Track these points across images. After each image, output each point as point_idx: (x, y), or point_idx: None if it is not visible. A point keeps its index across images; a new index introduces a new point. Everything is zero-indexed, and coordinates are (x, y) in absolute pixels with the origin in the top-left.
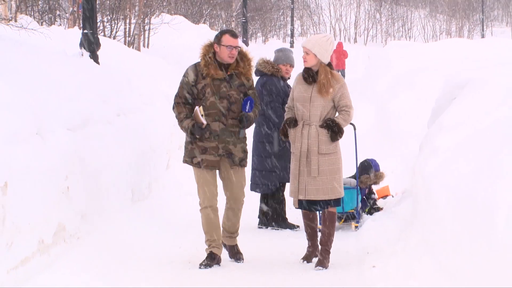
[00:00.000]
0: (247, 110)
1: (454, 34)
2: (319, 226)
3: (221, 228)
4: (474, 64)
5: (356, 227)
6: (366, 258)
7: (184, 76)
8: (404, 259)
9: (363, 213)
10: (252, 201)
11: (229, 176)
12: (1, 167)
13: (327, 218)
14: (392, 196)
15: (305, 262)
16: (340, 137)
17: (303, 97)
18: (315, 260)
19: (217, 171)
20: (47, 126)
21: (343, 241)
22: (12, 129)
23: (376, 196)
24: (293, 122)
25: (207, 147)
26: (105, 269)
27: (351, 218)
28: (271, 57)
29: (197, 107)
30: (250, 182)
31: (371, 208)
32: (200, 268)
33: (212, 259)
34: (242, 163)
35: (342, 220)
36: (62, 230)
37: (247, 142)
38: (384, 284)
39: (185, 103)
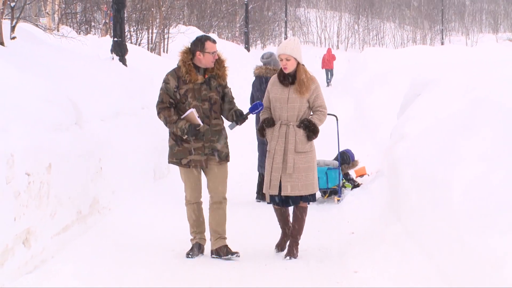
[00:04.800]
0: (252, 112)
1: (419, 42)
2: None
3: (210, 233)
4: (435, 66)
5: (338, 200)
6: (346, 226)
7: (165, 82)
8: (377, 226)
9: (343, 188)
10: (251, 181)
11: (214, 172)
12: (46, 151)
13: (299, 213)
14: (368, 175)
15: (279, 250)
16: (316, 136)
17: (281, 98)
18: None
19: (202, 169)
20: (84, 117)
21: (327, 212)
22: (55, 120)
23: (354, 176)
24: (271, 122)
25: (193, 148)
26: (132, 234)
27: (334, 193)
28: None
29: (192, 109)
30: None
31: (354, 186)
32: (187, 256)
33: (198, 249)
34: (227, 158)
35: (327, 195)
36: (96, 203)
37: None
38: (360, 245)
39: (169, 107)
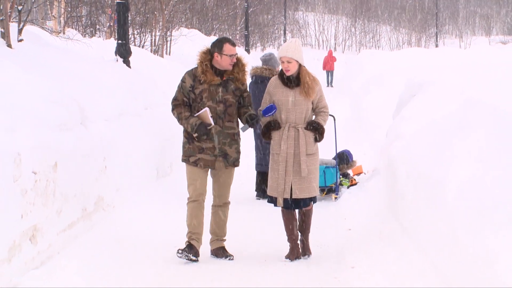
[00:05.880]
0: (266, 115)
1: (413, 44)
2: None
3: (210, 233)
4: (429, 68)
5: (335, 198)
6: (343, 223)
7: (181, 81)
8: (374, 223)
9: (341, 186)
10: (251, 178)
11: (221, 175)
12: (52, 150)
13: (307, 214)
14: (365, 174)
15: (289, 260)
16: (323, 138)
17: (287, 101)
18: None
19: (210, 170)
20: (89, 117)
21: (325, 209)
22: (61, 120)
23: (351, 174)
24: (278, 125)
25: (204, 147)
26: (135, 231)
27: (331, 191)
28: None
29: (206, 108)
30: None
31: (348, 179)
32: (177, 254)
33: (190, 249)
34: (236, 163)
35: (324, 192)
36: (101, 201)
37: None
38: (357, 241)
39: (183, 105)
